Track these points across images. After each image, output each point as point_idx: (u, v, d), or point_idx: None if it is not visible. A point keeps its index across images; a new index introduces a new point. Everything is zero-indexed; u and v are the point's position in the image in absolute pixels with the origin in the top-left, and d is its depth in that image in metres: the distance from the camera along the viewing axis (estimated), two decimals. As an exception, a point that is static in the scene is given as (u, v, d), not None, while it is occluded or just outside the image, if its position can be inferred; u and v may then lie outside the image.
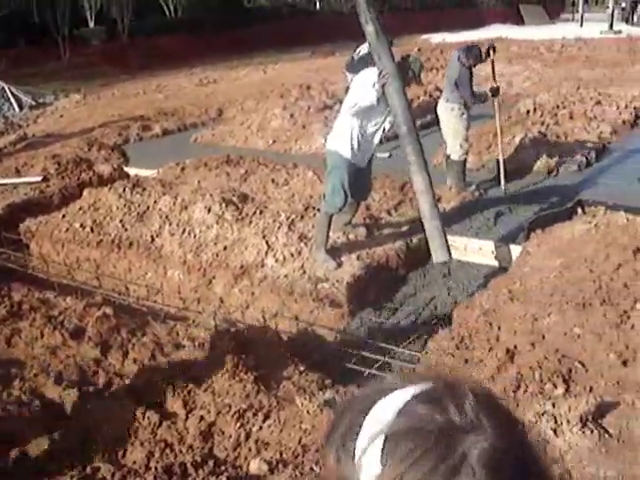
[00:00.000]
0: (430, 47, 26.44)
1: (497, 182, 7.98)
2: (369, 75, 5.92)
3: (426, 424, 0.82)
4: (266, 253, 6.66)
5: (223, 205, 7.37)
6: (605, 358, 4.17)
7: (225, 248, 6.88)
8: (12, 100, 17.38)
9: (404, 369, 5.13)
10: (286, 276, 6.34)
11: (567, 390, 3.83)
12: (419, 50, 24.60)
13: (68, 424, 3.80)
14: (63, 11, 26.25)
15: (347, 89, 6.53)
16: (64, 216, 7.92)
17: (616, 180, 8.20)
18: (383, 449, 0.82)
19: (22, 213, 8.42)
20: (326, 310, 5.99)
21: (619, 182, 8.09)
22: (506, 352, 4.45)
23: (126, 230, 7.39)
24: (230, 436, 3.67)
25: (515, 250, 6.61)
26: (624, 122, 11.40)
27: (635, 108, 12.34)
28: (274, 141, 11.38)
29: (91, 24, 28.78)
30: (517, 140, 9.62)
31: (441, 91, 13.46)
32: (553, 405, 3.53)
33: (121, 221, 7.52)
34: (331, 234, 6.60)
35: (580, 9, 39.56)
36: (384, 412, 0.86)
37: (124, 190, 7.96)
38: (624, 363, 4.09)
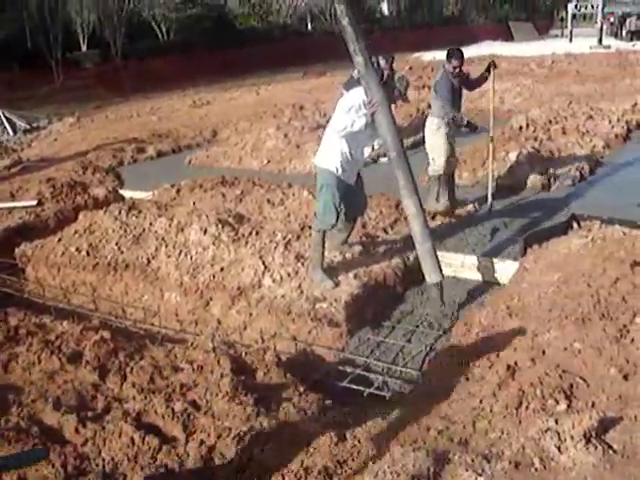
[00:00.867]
0: (421, 65, 26.61)
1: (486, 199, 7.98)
2: (355, 98, 6.04)
3: None
4: (263, 273, 6.64)
5: (219, 226, 7.36)
6: (606, 373, 4.16)
7: (222, 269, 6.85)
8: (6, 124, 17.40)
9: (404, 388, 5.12)
10: (283, 296, 6.32)
11: (569, 406, 3.81)
12: (410, 68, 24.74)
13: (67, 450, 3.76)
14: (56, 35, 26.37)
15: None
16: (60, 240, 7.89)
17: (610, 194, 8.22)
18: None
19: (17, 237, 8.40)
20: (324, 330, 5.96)
21: (613, 196, 8.11)
22: (507, 368, 4.43)
23: (122, 253, 7.36)
24: (231, 460, 3.64)
25: (512, 266, 6.60)
26: (616, 136, 11.46)
27: (627, 122, 12.41)
28: (268, 161, 11.39)
29: (84, 47, 28.90)
30: (511, 156, 9.65)
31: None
32: (556, 421, 3.51)
33: (117, 244, 7.50)
34: (328, 253, 6.59)
35: (569, 25, 39.89)
36: None
37: (119, 213, 7.95)
38: (625, 377, 4.07)
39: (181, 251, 7.21)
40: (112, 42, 28.11)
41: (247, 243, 7.11)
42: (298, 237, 7.13)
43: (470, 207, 7.94)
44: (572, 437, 3.35)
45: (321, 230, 6.29)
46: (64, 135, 16.17)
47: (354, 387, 5.11)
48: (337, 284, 6.30)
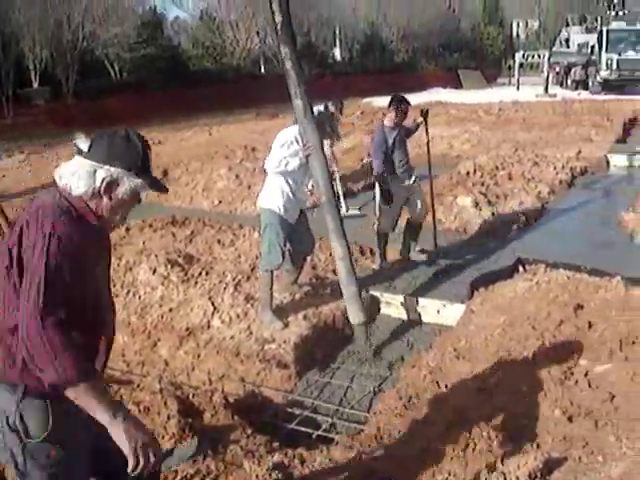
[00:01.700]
0: (372, 110, 27.00)
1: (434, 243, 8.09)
2: (289, 134, 6.23)
3: None
4: (212, 314, 6.61)
5: (168, 266, 7.33)
6: (551, 414, 4.23)
7: (170, 309, 6.80)
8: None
9: (351, 430, 5.11)
10: (232, 337, 6.29)
11: (515, 447, 3.86)
12: (362, 113, 25.15)
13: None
14: (8, 71, 26.15)
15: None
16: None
17: (555, 238, 8.43)
18: None
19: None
20: (273, 371, 5.93)
21: (558, 240, 8.32)
22: (454, 411, 4.47)
23: (69, 292, 7.25)
24: (177, 503, 3.59)
25: (459, 309, 6.69)
26: (561, 182, 11.79)
27: (571, 169, 12.78)
28: (220, 202, 11.41)
29: (35, 84, 28.68)
30: (458, 200, 9.83)
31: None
32: (502, 462, 3.55)
33: (64, 283, 7.39)
34: (277, 294, 6.60)
35: (516, 73, 40.96)
36: None
37: (67, 252, 7.84)
38: (569, 419, 4.15)
39: (129, 291, 7.14)
40: (64, 79, 27.98)
41: (196, 283, 7.08)
42: (248, 278, 7.13)
43: (418, 250, 8.03)
44: (517, 478, 3.39)
45: (268, 270, 6.31)
46: (13, 172, 15.96)
47: (302, 429, 5.10)
48: (286, 325, 6.30)
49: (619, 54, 33.63)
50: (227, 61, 40.13)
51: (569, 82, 39.40)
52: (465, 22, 60.48)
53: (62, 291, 2.26)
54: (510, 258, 7.62)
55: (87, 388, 2.24)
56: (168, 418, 4.34)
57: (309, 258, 7.12)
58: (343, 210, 10.47)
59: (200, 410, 4.75)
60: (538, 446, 3.90)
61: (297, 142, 6.09)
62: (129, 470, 2.28)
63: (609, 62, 33.70)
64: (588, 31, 41.98)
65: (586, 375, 4.68)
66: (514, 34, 66.17)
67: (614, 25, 36.92)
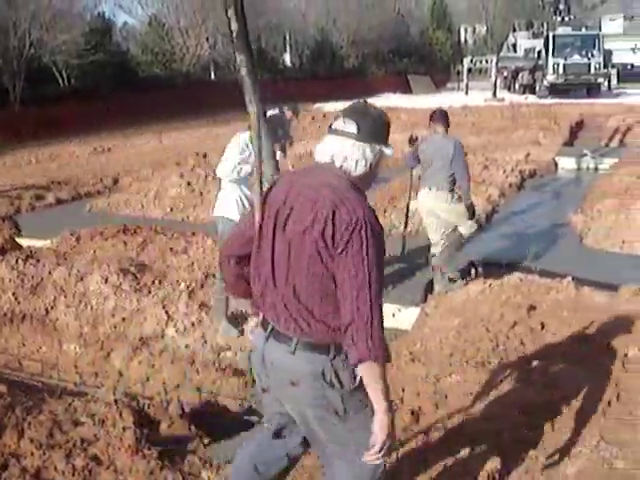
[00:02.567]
0: (323, 115, 27.09)
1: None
2: (241, 142, 6.22)
3: None
4: (166, 323, 6.54)
5: (120, 275, 7.22)
6: (507, 415, 4.27)
7: (123, 319, 6.72)
8: None
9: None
10: (187, 346, 6.24)
11: (472, 449, 3.89)
12: (313, 118, 25.19)
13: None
14: (-49, 79, 25.57)
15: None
16: (-49, 291, 7.57)
17: (506, 241, 8.53)
18: None
19: None
20: (230, 379, 5.89)
21: (509, 243, 8.42)
22: (411, 414, 4.49)
23: (19, 303, 7.11)
24: (135, 516, 3.53)
25: (414, 312, 6.73)
26: (511, 185, 11.97)
27: (520, 171, 12.99)
28: (171, 209, 11.30)
29: (-20, 93, 28.07)
30: (411, 205, 9.88)
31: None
32: (462, 465, 3.57)
33: (14, 294, 7.22)
34: (233, 302, 6.56)
35: (465, 78, 41.54)
36: None
37: (17, 262, 7.67)
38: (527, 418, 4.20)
39: (81, 301, 7.02)
40: (11, 87, 27.41)
41: (150, 292, 7.00)
42: (202, 286, 7.07)
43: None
44: (476, 479, 3.41)
45: (223, 278, 6.25)
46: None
47: (260, 437, 5.06)
48: (242, 332, 6.26)
49: (565, 59, 34.37)
50: (177, 67, 39.78)
51: (517, 86, 40.15)
52: (414, 27, 61.03)
53: (383, 272, 2.57)
54: (462, 261, 7.68)
55: (382, 371, 2.49)
56: (124, 430, 4.26)
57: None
58: None
59: (156, 421, 4.67)
60: (496, 447, 3.93)
61: (248, 147, 6.07)
62: (366, 455, 2.54)
63: (556, 66, 34.41)
64: (535, 36, 42.82)
65: (541, 375, 4.74)
66: (462, 39, 67.08)
67: (560, 30, 37.78)
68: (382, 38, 52.24)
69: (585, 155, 15.14)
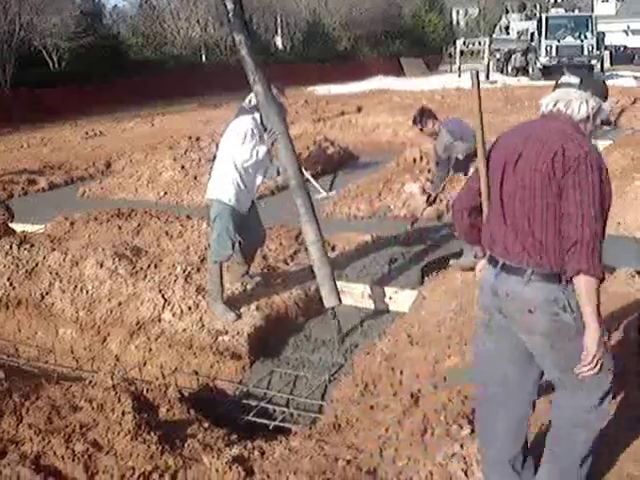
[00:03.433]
0: (316, 98, 27.01)
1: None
2: (246, 124, 6.05)
3: None
4: (163, 307, 6.51)
5: (116, 259, 7.18)
6: (506, 397, 4.27)
7: (120, 304, 6.68)
8: None
9: (308, 419, 5.11)
10: (184, 330, 6.21)
11: (473, 431, 3.89)
12: (306, 101, 25.09)
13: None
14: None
15: None
16: (-54, 276, 7.52)
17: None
18: None
19: None
20: (227, 363, 5.90)
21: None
22: (410, 396, 4.49)
23: (14, 289, 7.07)
24: (136, 500, 3.52)
25: (411, 295, 6.72)
26: (506, 168, 11.90)
27: (516, 154, 12.93)
28: (165, 193, 11.26)
29: (-29, 76, 27.86)
30: (406, 187, 9.88)
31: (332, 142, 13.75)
32: (461, 446, 3.58)
33: (9, 279, 7.18)
34: (229, 285, 6.55)
35: (457, 60, 41.40)
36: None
37: (10, 247, 7.63)
38: (524, 401, 4.20)
39: (76, 286, 6.99)
40: (1, 71, 27.20)
41: (145, 277, 6.96)
42: (198, 269, 7.04)
43: (368, 237, 8.05)
44: (478, 461, 3.41)
45: (217, 262, 6.23)
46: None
47: (259, 421, 5.07)
48: (239, 316, 6.25)
49: (558, 40, 34.27)
50: (168, 50, 39.58)
51: (509, 69, 40.02)
52: (406, 10, 60.78)
53: (605, 200, 2.81)
54: (459, 243, 7.67)
55: (597, 287, 2.74)
56: (123, 414, 4.25)
57: (259, 249, 7.05)
58: (322, 194, 10.51)
59: (155, 405, 4.66)
60: (495, 429, 3.94)
61: (254, 132, 5.99)
62: (576, 368, 2.81)
63: (548, 48, 34.32)
64: (527, 18, 42.64)
65: (539, 357, 4.74)
66: (454, 22, 66.87)
67: (553, 12, 37.70)
68: (374, 20, 52.01)
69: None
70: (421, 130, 6.91)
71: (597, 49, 35.00)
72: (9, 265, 7.36)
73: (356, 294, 6.91)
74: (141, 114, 24.50)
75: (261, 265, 7.19)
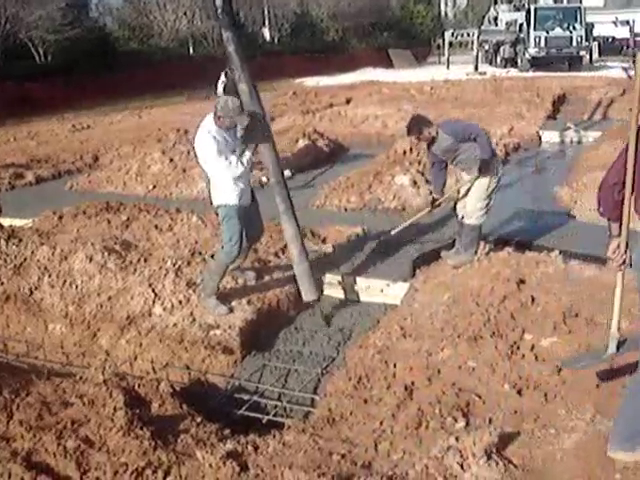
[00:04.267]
0: (305, 90, 26.91)
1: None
2: (207, 138, 5.86)
3: None
4: (153, 302, 6.46)
5: (105, 254, 7.12)
6: (500, 389, 4.26)
7: (109, 298, 6.63)
8: None
9: (301, 413, 5.08)
10: (175, 324, 6.17)
11: (468, 423, 3.88)
12: (294, 93, 24.99)
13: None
14: None
15: None
16: None
17: (492, 215, 8.46)
18: None
19: None
20: (219, 357, 5.85)
21: (495, 217, 8.36)
22: (404, 389, 4.48)
23: (2, 284, 6.99)
24: (129, 497, 3.48)
25: (403, 287, 6.70)
26: (495, 159, 11.89)
27: (505, 145, 12.96)
28: (154, 186, 11.18)
29: (-45, 69, 27.58)
30: (397, 179, 9.84)
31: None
32: (457, 439, 3.55)
33: (-4, 274, 7.12)
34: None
35: (446, 52, 41.38)
36: None
37: (-2, 241, 7.56)
38: (519, 393, 4.19)
39: (65, 280, 6.92)
40: (-14, 64, 26.99)
41: (135, 271, 6.91)
42: (189, 263, 6.99)
43: (359, 230, 8.01)
44: (474, 454, 3.39)
45: (228, 263, 6.20)
46: None
47: (252, 415, 5.04)
48: (231, 310, 6.21)
49: (547, 32, 34.24)
50: (155, 42, 39.33)
51: (498, 60, 40.00)
52: (394, 1, 60.61)
53: None
54: (450, 235, 7.65)
55: None
56: (115, 410, 4.21)
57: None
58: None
59: (147, 400, 4.62)
60: (490, 421, 3.93)
61: (217, 142, 5.81)
62: None
63: (537, 40, 34.30)
64: (516, 9, 42.54)
65: (532, 349, 4.73)
66: (443, 13, 66.77)
67: (542, 3, 37.69)
68: (362, 12, 51.87)
69: (569, 128, 15.13)
70: (418, 139, 6.75)
71: (586, 40, 35.01)
72: (-3, 260, 7.28)
73: (347, 287, 6.89)
74: (129, 107, 24.34)
75: (252, 259, 7.14)
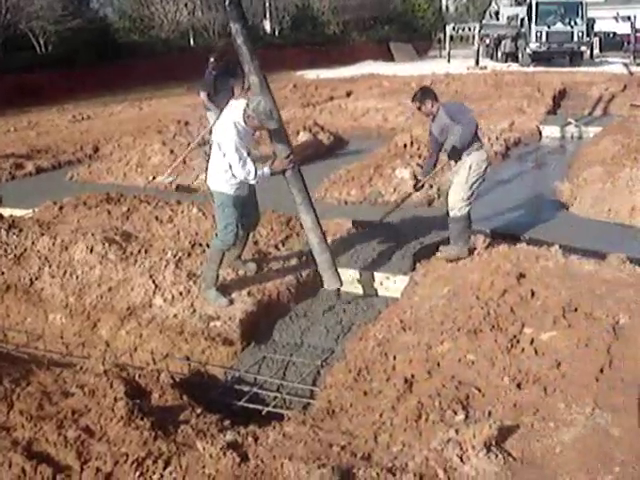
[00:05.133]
0: (305, 83, 26.88)
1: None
2: (232, 120, 5.86)
3: None
4: (154, 293, 6.47)
5: (106, 244, 7.12)
6: (500, 382, 4.27)
7: (110, 289, 6.64)
8: None
9: (301, 405, 5.09)
10: (175, 316, 6.18)
11: (467, 416, 3.89)
12: (294, 86, 24.96)
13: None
14: None
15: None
16: None
17: (492, 210, 8.49)
18: None
19: None
20: (219, 348, 5.87)
21: (495, 211, 8.40)
22: (404, 382, 4.49)
23: (2, 274, 7.00)
24: (129, 486, 3.49)
25: (403, 280, 6.72)
26: (496, 154, 11.93)
27: (505, 140, 12.95)
28: (154, 177, 11.17)
29: (-44, 60, 27.52)
30: (397, 173, 9.84)
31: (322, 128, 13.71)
32: (456, 432, 3.56)
33: (-3, 264, 7.13)
34: (221, 271, 6.51)
35: (447, 46, 41.30)
36: None
37: (-2, 231, 7.56)
38: (519, 386, 4.20)
39: (66, 271, 6.93)
40: (-13, 54, 26.94)
41: (136, 262, 6.91)
42: (189, 255, 6.99)
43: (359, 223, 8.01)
44: (473, 447, 3.40)
45: (223, 250, 6.20)
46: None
47: (251, 406, 5.05)
48: (231, 302, 6.22)
49: (548, 27, 34.13)
50: (155, 34, 39.24)
51: (499, 55, 39.93)
52: (395, -6, 60.45)
53: None
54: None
55: None
56: (115, 400, 4.22)
57: (251, 234, 7.00)
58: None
59: (147, 391, 4.64)
60: (490, 414, 3.93)
61: (239, 130, 5.82)
62: None
63: (538, 34, 34.18)
64: (517, 4, 42.36)
65: (532, 343, 4.73)
66: (444, 7, 66.60)
67: (543, -3, 37.45)
68: (363, 5, 51.73)
69: (569, 123, 15.13)
70: (419, 109, 6.76)
71: (587, 35, 34.91)
72: (-3, 250, 7.28)
73: (348, 280, 6.89)
74: (129, 98, 24.30)
75: (252, 250, 7.15)
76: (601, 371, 4.25)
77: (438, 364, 4.70)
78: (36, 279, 6.91)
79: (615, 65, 32.51)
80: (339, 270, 6.84)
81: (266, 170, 5.98)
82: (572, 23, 34.31)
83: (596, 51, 38.81)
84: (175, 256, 6.91)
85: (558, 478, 3.32)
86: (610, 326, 4.79)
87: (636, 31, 38.89)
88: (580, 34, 34.30)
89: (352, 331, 6.05)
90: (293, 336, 6.12)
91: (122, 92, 25.97)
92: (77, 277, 6.84)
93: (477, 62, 35.78)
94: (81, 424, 4.00)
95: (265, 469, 3.51)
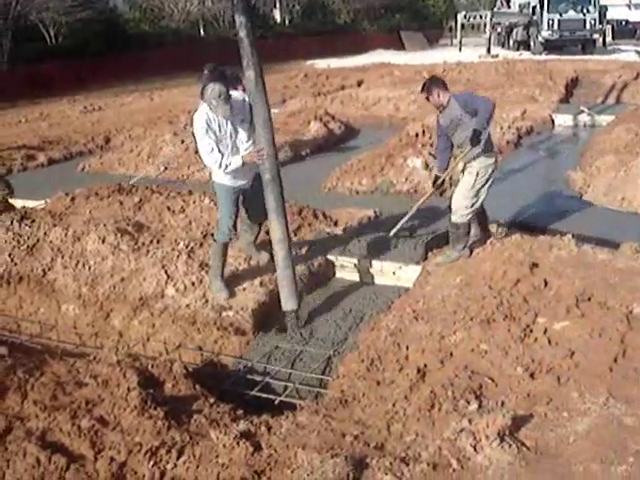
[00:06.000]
0: (316, 72, 26.81)
1: None
2: (197, 123, 5.93)
3: None
4: (166, 283, 6.49)
5: (118, 235, 7.14)
6: (513, 372, 4.26)
7: (122, 279, 6.66)
8: None
9: (313, 394, 5.10)
10: (188, 306, 6.19)
11: (480, 406, 3.88)
12: (305, 76, 24.91)
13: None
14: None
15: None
16: (-54, 252, 7.48)
17: (504, 199, 8.45)
18: None
19: None
20: (231, 338, 5.88)
21: (507, 201, 8.35)
22: (417, 371, 4.48)
23: (15, 265, 7.03)
24: (144, 476, 3.50)
25: (415, 270, 6.69)
26: (508, 143, 11.87)
27: (517, 129, 12.88)
28: (166, 168, 11.18)
29: (-32, 51, 27.58)
30: (409, 162, 9.81)
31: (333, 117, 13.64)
32: (470, 422, 3.56)
33: (10, 255, 7.14)
34: (232, 260, 6.51)
35: (458, 34, 41.12)
36: None
37: (11, 223, 7.58)
38: (532, 376, 4.19)
39: (78, 261, 6.95)
40: (-2, 45, 26.97)
41: (148, 252, 6.93)
42: (201, 245, 7.00)
43: (371, 213, 7.99)
44: (487, 436, 3.40)
45: (221, 242, 6.20)
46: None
47: (264, 396, 5.06)
48: (232, 295, 6.20)
49: (560, 14, 33.92)
50: (166, 24, 39.16)
51: (511, 43, 39.72)
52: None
53: None
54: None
55: None
56: (128, 390, 4.24)
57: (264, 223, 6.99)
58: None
59: (160, 381, 4.65)
60: (503, 404, 3.93)
61: (207, 127, 5.86)
62: None
63: (550, 22, 33.99)
64: (530, -9, 42.19)
65: (545, 332, 4.72)
66: (455, -5, 66.20)
67: (556, -15, 37.21)
68: (374, -7, 51.49)
69: (582, 112, 15.02)
70: (427, 99, 6.60)
71: (599, 23, 34.69)
72: (10, 241, 7.32)
73: (360, 269, 6.88)
74: (140, 88, 24.29)
75: (265, 239, 7.14)
76: (615, 361, 4.23)
77: (451, 354, 4.69)
78: (49, 270, 6.94)
79: (628, 53, 32.25)
80: (352, 259, 6.83)
81: (235, 159, 5.90)
82: (584, 11, 34.09)
83: (608, 39, 38.54)
84: (187, 246, 6.92)
85: (572, 468, 3.31)
86: (624, 315, 4.77)
87: (649, 19, 38.65)
88: (592, 22, 34.08)
89: (364, 321, 6.03)
90: (306, 326, 6.11)
91: (133, 83, 25.97)
92: (89, 268, 6.87)
93: (489, 50, 35.61)
94: (95, 414, 4.02)
95: (278, 458, 3.53)
